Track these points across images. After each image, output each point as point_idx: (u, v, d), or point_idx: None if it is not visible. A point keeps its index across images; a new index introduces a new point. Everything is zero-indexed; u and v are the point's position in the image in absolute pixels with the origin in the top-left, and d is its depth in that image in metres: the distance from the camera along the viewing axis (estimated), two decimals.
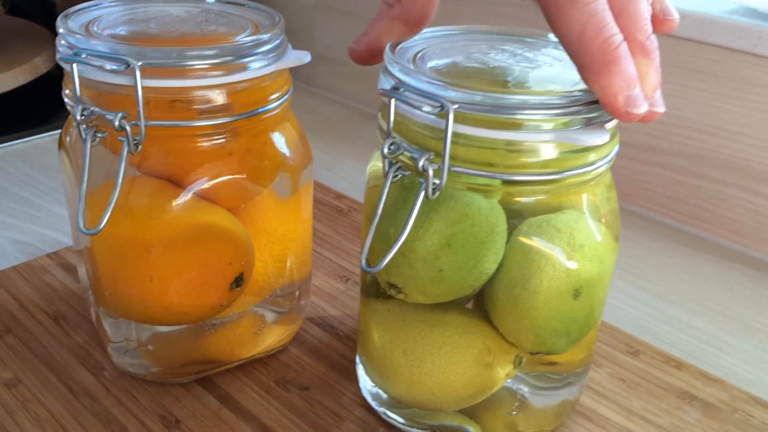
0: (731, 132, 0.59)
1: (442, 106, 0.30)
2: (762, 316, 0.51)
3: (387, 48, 0.34)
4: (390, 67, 0.33)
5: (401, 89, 0.31)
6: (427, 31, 0.37)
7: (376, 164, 0.38)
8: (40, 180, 0.64)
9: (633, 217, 0.64)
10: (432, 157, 0.31)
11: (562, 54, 0.36)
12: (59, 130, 0.73)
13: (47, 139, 0.72)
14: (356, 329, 0.46)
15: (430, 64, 0.34)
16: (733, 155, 0.59)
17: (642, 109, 0.29)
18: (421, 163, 0.31)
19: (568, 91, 0.31)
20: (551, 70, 0.34)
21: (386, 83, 0.33)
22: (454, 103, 0.30)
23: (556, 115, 0.30)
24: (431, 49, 0.36)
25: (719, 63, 0.58)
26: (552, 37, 0.38)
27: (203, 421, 0.39)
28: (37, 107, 0.79)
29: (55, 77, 0.83)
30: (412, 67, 0.33)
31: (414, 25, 0.36)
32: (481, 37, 0.38)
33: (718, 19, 0.57)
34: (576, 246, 0.34)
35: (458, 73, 0.34)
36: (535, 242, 0.34)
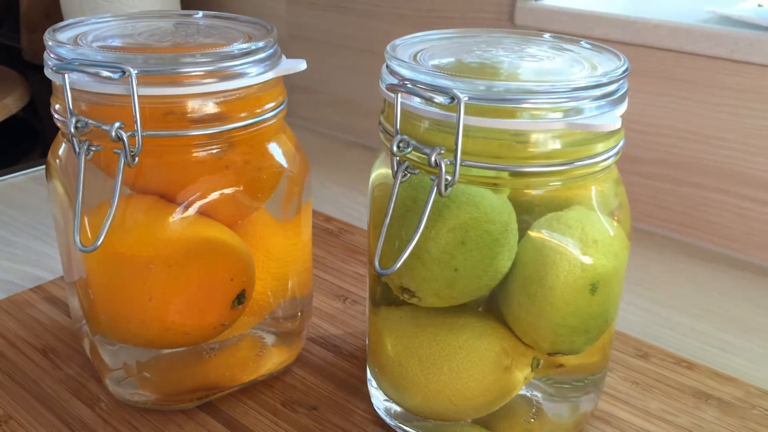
0: (713, 138, 0.59)
1: (453, 98, 0.29)
2: (760, 316, 0.51)
3: (388, 48, 0.34)
4: (394, 64, 0.32)
5: (408, 84, 0.31)
6: (422, 34, 0.37)
7: (380, 171, 0.37)
8: (16, 218, 0.62)
9: None
10: (443, 151, 0.30)
11: (561, 49, 0.36)
12: (32, 169, 0.72)
13: (21, 178, 0.69)
14: (360, 347, 0.45)
15: (432, 62, 0.34)
16: (716, 161, 0.60)
17: None
18: (433, 158, 0.30)
19: (578, 78, 0.31)
20: (554, 63, 0.34)
21: (390, 81, 0.32)
22: (464, 93, 0.29)
23: (568, 100, 0.30)
24: (430, 50, 0.35)
25: (698, 71, 0.59)
26: (548, 36, 0.38)
27: None
28: (8, 148, 0.77)
29: (24, 119, 0.82)
30: (415, 64, 0.33)
31: None
32: (478, 38, 0.38)
33: (694, 28, 0.58)
34: (589, 241, 0.33)
35: (463, 69, 0.33)
36: (549, 238, 0.33)
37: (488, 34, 0.38)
